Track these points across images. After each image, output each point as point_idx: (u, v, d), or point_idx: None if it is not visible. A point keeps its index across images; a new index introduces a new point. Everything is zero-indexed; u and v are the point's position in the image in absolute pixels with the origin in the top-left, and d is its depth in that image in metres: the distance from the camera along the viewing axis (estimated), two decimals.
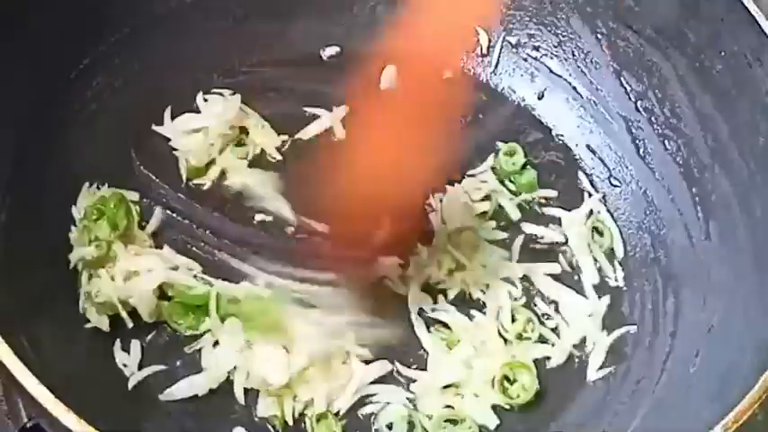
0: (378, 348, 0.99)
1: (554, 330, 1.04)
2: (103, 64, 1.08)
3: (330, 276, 1.01)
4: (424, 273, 1.04)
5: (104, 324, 0.97)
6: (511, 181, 1.13)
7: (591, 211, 1.12)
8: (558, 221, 1.12)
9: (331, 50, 1.21)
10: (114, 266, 0.98)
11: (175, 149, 1.09)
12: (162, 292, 0.99)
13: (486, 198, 1.11)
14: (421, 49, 0.92)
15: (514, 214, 1.11)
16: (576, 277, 1.08)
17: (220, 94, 1.13)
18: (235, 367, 0.95)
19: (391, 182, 0.93)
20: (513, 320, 1.03)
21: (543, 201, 1.13)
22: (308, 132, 1.14)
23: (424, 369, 1.00)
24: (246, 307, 0.98)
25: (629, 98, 1.14)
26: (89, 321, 0.96)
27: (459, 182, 1.12)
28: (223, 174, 1.09)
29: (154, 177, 1.08)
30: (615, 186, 1.14)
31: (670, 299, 1.04)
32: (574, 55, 1.17)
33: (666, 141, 1.10)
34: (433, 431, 0.96)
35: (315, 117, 1.14)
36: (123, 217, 1.01)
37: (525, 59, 1.20)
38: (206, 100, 1.13)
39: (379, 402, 0.97)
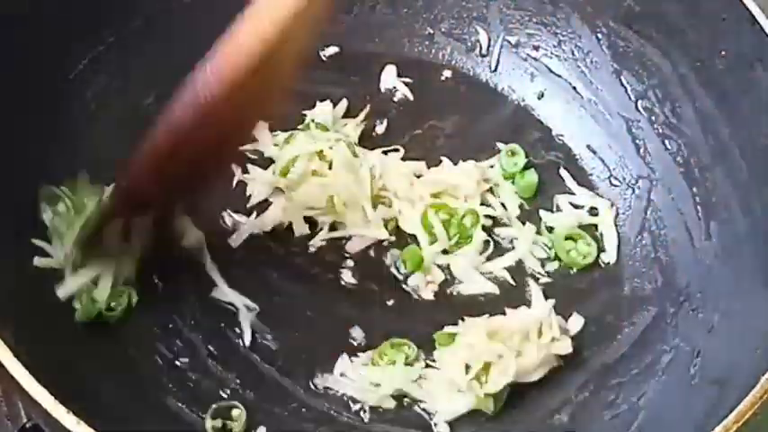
0: None
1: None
2: (103, 64, 1.08)
3: None
4: None
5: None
6: (511, 182, 1.13)
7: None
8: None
9: (331, 50, 1.21)
10: None
11: None
12: None
13: (490, 191, 1.11)
14: None
15: (514, 212, 1.11)
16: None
17: None
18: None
19: None
20: None
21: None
22: None
23: None
24: None
25: (629, 98, 1.14)
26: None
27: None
28: None
29: None
30: (615, 186, 1.14)
31: (670, 298, 1.04)
32: (574, 55, 1.17)
33: (666, 141, 1.10)
34: None
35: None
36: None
37: (525, 59, 1.20)
38: None
39: None
